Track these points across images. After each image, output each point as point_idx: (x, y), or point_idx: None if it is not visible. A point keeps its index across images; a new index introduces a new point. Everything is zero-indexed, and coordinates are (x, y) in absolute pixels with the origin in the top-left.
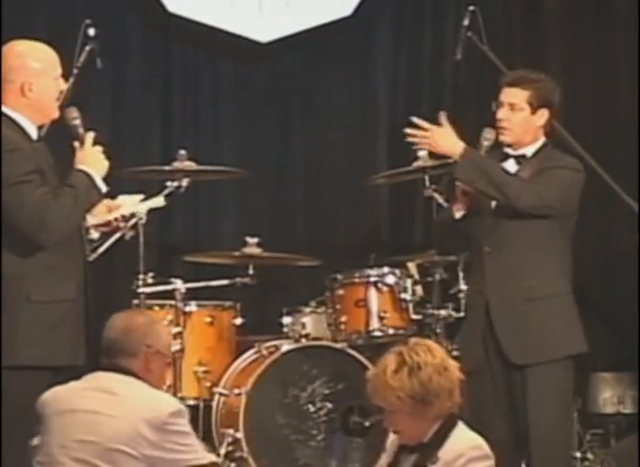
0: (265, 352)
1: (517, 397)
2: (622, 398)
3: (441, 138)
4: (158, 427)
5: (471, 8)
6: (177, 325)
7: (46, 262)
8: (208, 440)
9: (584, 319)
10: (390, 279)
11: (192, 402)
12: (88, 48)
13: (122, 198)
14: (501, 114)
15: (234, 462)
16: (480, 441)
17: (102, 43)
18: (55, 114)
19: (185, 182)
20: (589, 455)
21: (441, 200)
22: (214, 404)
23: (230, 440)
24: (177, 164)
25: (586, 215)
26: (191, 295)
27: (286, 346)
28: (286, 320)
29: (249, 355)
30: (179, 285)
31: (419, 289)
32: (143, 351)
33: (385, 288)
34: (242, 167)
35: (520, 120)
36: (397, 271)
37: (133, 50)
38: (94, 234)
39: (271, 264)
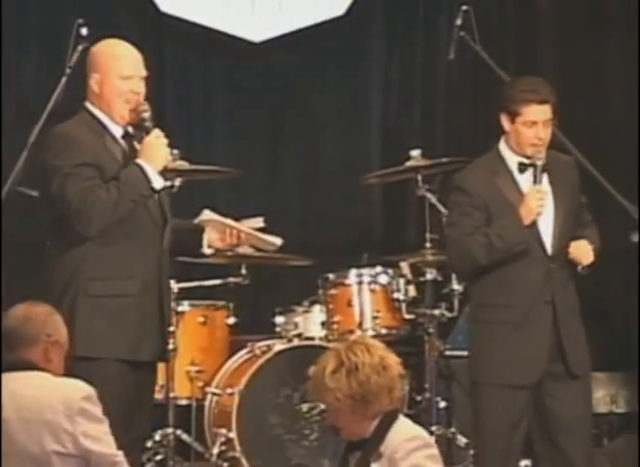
0: (257, 352)
1: (573, 407)
2: (615, 398)
3: None
4: (72, 414)
5: (464, 7)
6: (170, 325)
7: (106, 257)
8: (201, 439)
9: None
10: (383, 279)
11: (184, 401)
12: (80, 47)
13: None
14: (542, 133)
15: (227, 462)
16: (417, 431)
17: (95, 42)
18: (122, 113)
19: (178, 181)
20: None
21: (433, 200)
22: (207, 403)
23: (222, 439)
24: (170, 164)
25: None
26: (183, 294)
27: (279, 346)
28: (279, 320)
29: (242, 355)
30: (172, 285)
31: (412, 289)
32: (43, 340)
33: (378, 288)
34: (235, 167)
35: (550, 134)
36: (390, 271)
37: None
38: (208, 250)
39: (264, 263)
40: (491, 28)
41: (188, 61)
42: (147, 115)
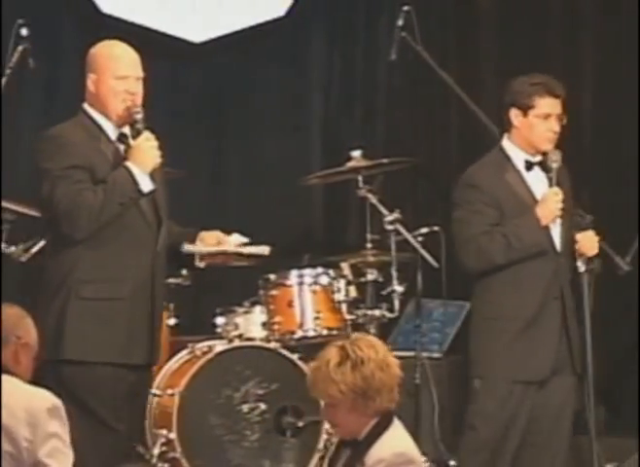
0: (198, 353)
1: (569, 404)
2: None
3: None
4: (34, 424)
5: (405, 8)
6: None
7: (98, 259)
8: (142, 440)
9: None
10: (324, 280)
11: None
12: (20, 48)
13: (235, 236)
14: (556, 127)
15: (168, 463)
16: (404, 447)
17: (35, 43)
18: (118, 113)
19: None
20: None
21: (374, 201)
22: (147, 404)
23: (163, 440)
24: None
25: None
26: None
27: (219, 347)
28: (219, 320)
29: (182, 356)
30: None
31: (353, 289)
32: (13, 342)
33: (319, 288)
34: (177, 167)
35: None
36: (331, 272)
37: (67, 50)
38: (200, 264)
39: (207, 264)
40: (432, 28)
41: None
42: (139, 117)
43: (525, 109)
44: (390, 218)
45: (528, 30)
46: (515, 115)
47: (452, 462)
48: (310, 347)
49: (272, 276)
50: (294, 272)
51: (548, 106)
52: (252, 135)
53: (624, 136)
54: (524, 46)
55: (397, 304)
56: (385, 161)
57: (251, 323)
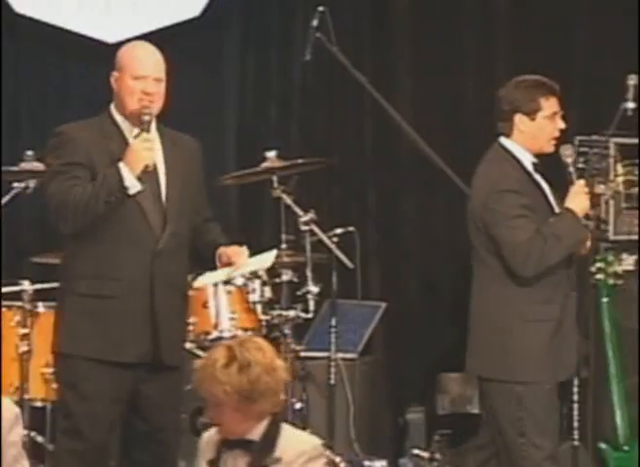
0: None
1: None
2: (471, 398)
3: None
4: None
5: (320, 8)
6: (25, 326)
7: (93, 256)
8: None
9: (432, 320)
10: (239, 280)
11: (39, 404)
12: None
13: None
14: (563, 124)
15: None
16: (317, 440)
17: None
18: (130, 110)
19: (32, 183)
20: (438, 456)
21: (289, 201)
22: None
23: None
24: (24, 165)
25: (436, 215)
26: (39, 296)
27: None
28: None
29: None
30: (27, 286)
31: (268, 290)
32: None
33: (234, 289)
34: None
35: None
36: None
37: None
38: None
39: None
40: (347, 29)
41: (44, 62)
42: (146, 118)
43: (532, 113)
44: (305, 218)
45: (442, 30)
46: (520, 121)
47: (367, 462)
48: None
49: (187, 277)
50: (208, 273)
51: (553, 106)
52: None
53: None
54: (438, 46)
55: (312, 304)
56: (300, 161)
57: None
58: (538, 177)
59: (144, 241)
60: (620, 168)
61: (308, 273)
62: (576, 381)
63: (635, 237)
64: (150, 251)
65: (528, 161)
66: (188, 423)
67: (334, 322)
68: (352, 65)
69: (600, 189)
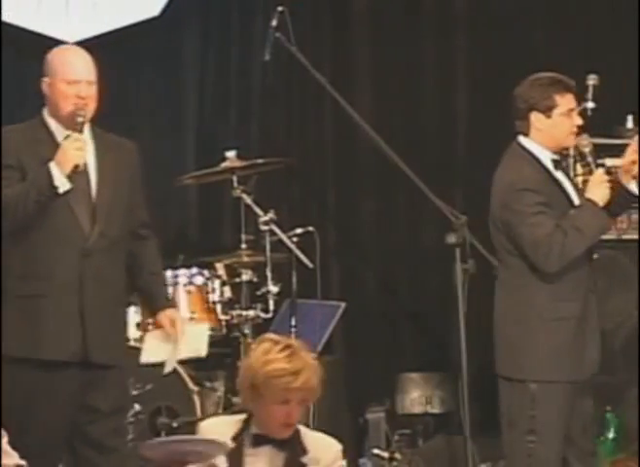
0: None
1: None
2: (430, 398)
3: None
4: None
5: (279, 8)
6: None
7: (25, 256)
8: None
9: (392, 320)
10: (198, 280)
11: None
12: None
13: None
14: (579, 120)
15: None
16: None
17: None
18: (67, 115)
19: None
20: (397, 455)
21: (249, 201)
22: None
23: None
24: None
25: (396, 215)
26: None
27: None
28: None
29: None
30: None
31: (228, 290)
32: None
33: (194, 289)
34: None
35: None
36: (205, 272)
37: None
38: None
39: None
40: (306, 29)
41: (2, 62)
42: (80, 120)
43: (548, 110)
44: (265, 218)
45: (402, 31)
46: (536, 119)
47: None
48: None
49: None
50: (168, 273)
51: (569, 102)
52: (126, 135)
53: (498, 137)
54: (398, 46)
55: (272, 304)
56: (260, 161)
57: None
58: (558, 174)
59: (73, 241)
60: (579, 168)
61: (268, 273)
62: None
63: None
64: (79, 250)
65: (547, 158)
66: (147, 423)
67: (293, 322)
68: (312, 65)
69: None
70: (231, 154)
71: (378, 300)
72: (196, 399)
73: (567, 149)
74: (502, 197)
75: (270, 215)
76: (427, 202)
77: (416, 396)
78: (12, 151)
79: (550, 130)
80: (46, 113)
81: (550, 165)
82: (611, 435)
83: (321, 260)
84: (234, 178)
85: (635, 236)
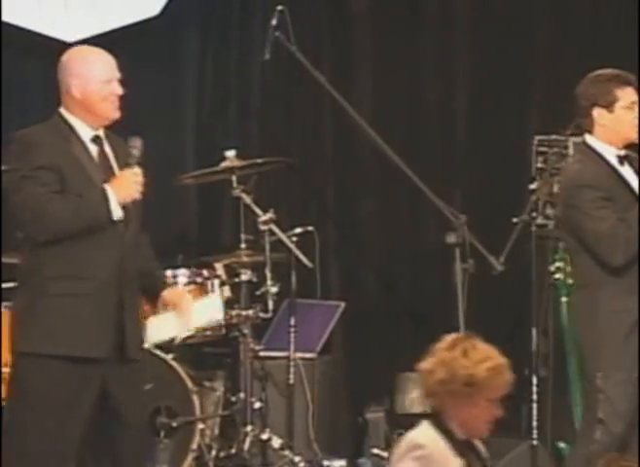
0: None
1: None
2: None
3: None
4: None
5: (279, 8)
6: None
7: (65, 256)
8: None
9: (391, 320)
10: (198, 280)
11: None
12: None
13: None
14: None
15: None
16: None
17: None
18: (111, 115)
19: None
20: None
21: (248, 201)
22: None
23: None
24: None
25: (396, 215)
26: None
27: None
28: None
29: None
30: None
31: (227, 289)
32: None
33: (193, 288)
34: None
35: None
36: (205, 272)
37: None
38: None
39: None
40: (306, 28)
41: (3, 62)
42: (135, 152)
43: (611, 104)
44: (264, 218)
45: (402, 30)
46: (599, 114)
47: (326, 462)
48: (183, 348)
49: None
50: (168, 273)
51: (630, 95)
52: (125, 135)
53: (499, 136)
54: (398, 46)
55: (271, 304)
56: (259, 161)
57: None
58: (624, 169)
59: (111, 240)
60: None
61: (267, 273)
62: (535, 380)
63: None
64: (117, 249)
65: (612, 154)
66: (147, 423)
67: (293, 322)
68: (311, 65)
69: (559, 188)
70: (230, 153)
71: (378, 299)
72: (196, 399)
73: (633, 143)
74: (564, 196)
75: (270, 215)
76: (427, 202)
77: (416, 396)
78: (45, 152)
79: (613, 125)
80: (66, 112)
81: (614, 161)
82: None
83: (320, 260)
84: (234, 178)
85: None
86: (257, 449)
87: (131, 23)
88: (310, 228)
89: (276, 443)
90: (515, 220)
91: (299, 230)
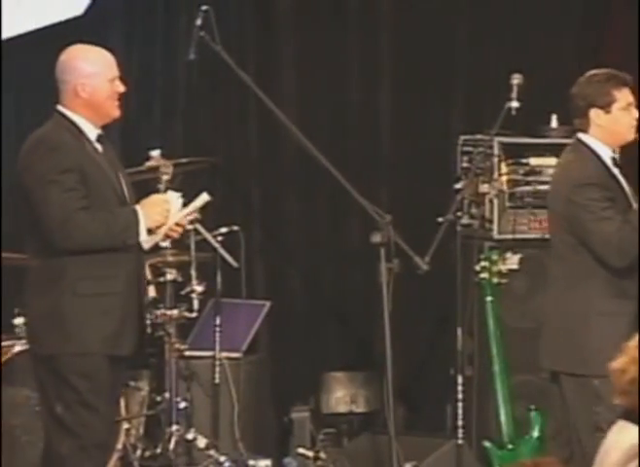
0: None
1: None
2: (355, 397)
3: None
4: None
5: (203, 8)
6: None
7: (91, 257)
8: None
9: (317, 319)
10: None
11: None
12: None
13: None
14: (637, 113)
15: None
16: None
17: None
18: (114, 114)
19: None
20: (322, 455)
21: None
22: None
23: None
24: None
25: (321, 215)
26: None
27: (18, 347)
28: (18, 321)
29: None
30: None
31: (152, 289)
32: None
33: None
34: None
35: None
36: None
37: None
38: (164, 243)
39: (4, 264)
40: (231, 29)
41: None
42: (165, 177)
43: (608, 105)
44: (189, 217)
45: (326, 30)
46: (596, 115)
47: (252, 462)
48: None
49: None
50: None
51: (627, 96)
52: None
53: (423, 136)
54: (322, 46)
55: (196, 303)
56: (184, 160)
57: None
58: (616, 171)
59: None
60: (504, 167)
61: (193, 272)
62: (460, 379)
63: (519, 236)
64: (135, 248)
65: (607, 155)
66: None
67: (218, 321)
68: (236, 64)
69: (484, 188)
70: (155, 153)
71: (303, 299)
72: (121, 398)
73: (629, 144)
74: (566, 193)
75: (195, 214)
76: (352, 202)
77: (341, 395)
78: (68, 154)
79: (610, 126)
80: (68, 111)
81: (609, 162)
82: (535, 434)
83: (246, 259)
84: (159, 177)
85: None
86: (182, 449)
87: (55, 23)
88: (235, 227)
89: (201, 442)
90: (440, 219)
91: (224, 229)
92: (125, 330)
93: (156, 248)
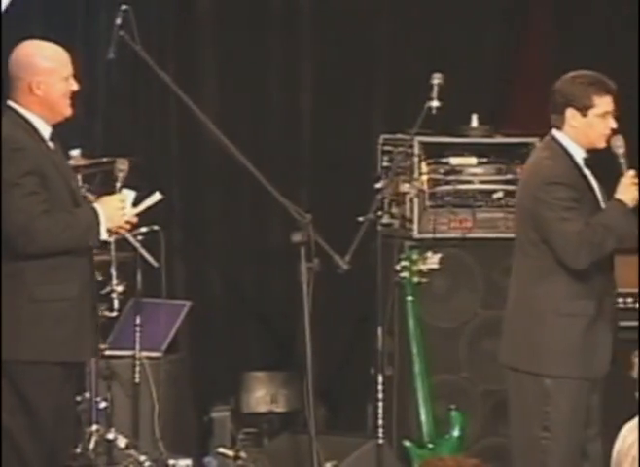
0: None
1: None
2: (275, 397)
3: None
4: None
5: (123, 7)
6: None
7: (49, 262)
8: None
9: (237, 319)
10: None
11: None
12: None
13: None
14: (614, 123)
15: None
16: None
17: None
18: (67, 112)
19: None
20: (243, 454)
21: (92, 199)
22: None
23: None
24: None
25: (241, 214)
26: None
27: None
28: None
29: None
30: None
31: None
32: None
33: None
34: None
35: None
36: None
37: None
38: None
39: None
40: (151, 28)
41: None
42: (121, 175)
43: (584, 109)
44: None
45: (247, 30)
46: (572, 115)
47: (172, 461)
48: None
49: None
50: None
51: (606, 105)
52: None
53: (344, 136)
54: (243, 46)
55: (116, 303)
56: (104, 159)
57: None
58: (587, 172)
59: None
60: (424, 167)
61: (113, 272)
62: (380, 379)
63: (439, 236)
64: (89, 250)
65: (579, 155)
66: None
67: (138, 321)
68: (156, 64)
69: (405, 187)
70: (75, 152)
71: (224, 299)
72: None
73: (597, 150)
74: (533, 189)
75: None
76: (272, 201)
77: (261, 395)
78: (28, 156)
79: (583, 129)
80: (21, 108)
81: (580, 162)
82: (456, 433)
83: (166, 259)
84: (79, 177)
85: (480, 235)
86: (102, 449)
87: None
88: (156, 227)
89: (122, 442)
90: (360, 219)
91: (144, 229)
92: (81, 335)
93: (102, 245)
